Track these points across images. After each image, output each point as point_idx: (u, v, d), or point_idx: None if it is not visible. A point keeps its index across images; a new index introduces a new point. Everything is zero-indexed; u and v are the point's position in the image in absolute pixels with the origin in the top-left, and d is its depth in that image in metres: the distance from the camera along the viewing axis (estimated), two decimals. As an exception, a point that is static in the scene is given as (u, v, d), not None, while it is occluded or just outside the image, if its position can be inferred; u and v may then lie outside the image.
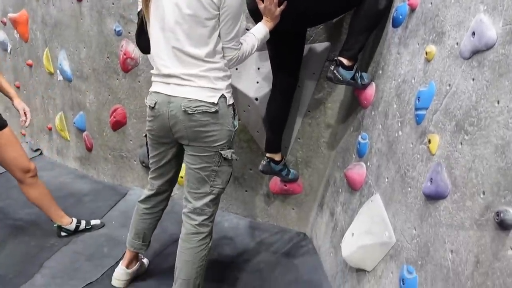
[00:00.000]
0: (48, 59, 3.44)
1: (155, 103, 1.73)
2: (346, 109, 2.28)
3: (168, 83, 1.71)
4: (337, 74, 1.94)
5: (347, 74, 1.95)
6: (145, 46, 1.83)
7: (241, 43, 1.76)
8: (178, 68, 1.68)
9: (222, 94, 1.70)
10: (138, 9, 1.84)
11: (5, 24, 3.81)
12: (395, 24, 1.85)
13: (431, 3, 1.57)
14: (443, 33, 1.47)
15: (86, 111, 3.30)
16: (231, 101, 1.74)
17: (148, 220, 2.08)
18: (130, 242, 2.12)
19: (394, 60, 1.82)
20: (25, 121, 2.37)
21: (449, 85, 1.39)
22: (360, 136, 2.02)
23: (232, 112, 1.76)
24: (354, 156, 2.09)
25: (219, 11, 1.62)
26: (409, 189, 1.52)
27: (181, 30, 1.63)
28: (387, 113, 1.80)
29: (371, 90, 2.00)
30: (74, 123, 3.44)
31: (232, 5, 1.62)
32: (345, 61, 1.94)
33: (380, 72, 1.94)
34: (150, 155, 1.93)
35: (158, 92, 1.73)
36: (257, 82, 2.34)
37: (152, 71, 1.78)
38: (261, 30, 1.86)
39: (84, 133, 3.40)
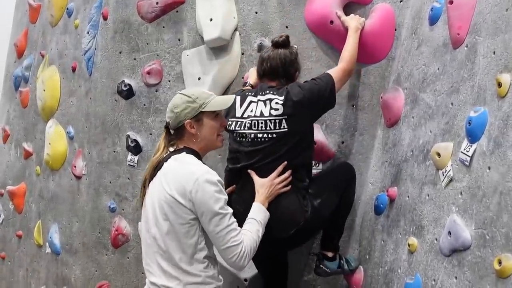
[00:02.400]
0: (39, 231, 3.46)
1: None
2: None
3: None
4: (323, 268, 1.98)
5: (333, 265, 2.00)
6: None
7: (241, 236, 1.59)
8: (160, 279, 1.61)
9: None
10: None
11: (2, 195, 3.92)
12: (377, 212, 1.96)
13: (408, 196, 1.70)
14: (422, 227, 1.56)
15: (69, 287, 3.19)
16: None
17: None
18: None
19: (379, 247, 1.87)
20: None
21: (434, 280, 1.42)
22: (352, 324, 1.96)
23: None
24: None
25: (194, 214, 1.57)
26: None
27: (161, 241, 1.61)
28: (377, 301, 1.79)
29: (359, 275, 2.02)
30: (56, 299, 3.30)
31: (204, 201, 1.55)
32: (328, 253, 2.01)
33: (367, 257, 1.98)
34: None
35: None
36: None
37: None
38: (260, 211, 1.75)
39: (64, 311, 3.24)
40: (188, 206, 1.56)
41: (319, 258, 2.01)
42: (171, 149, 1.72)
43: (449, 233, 1.35)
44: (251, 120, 1.90)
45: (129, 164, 2.78)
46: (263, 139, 1.86)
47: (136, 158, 2.72)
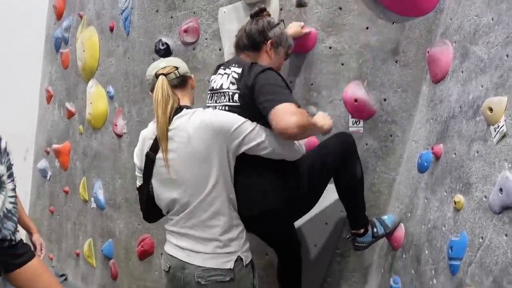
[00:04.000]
0: (84, 187, 3.61)
1: (169, 267, 1.71)
2: (377, 249, 2.26)
3: (183, 248, 1.67)
4: (359, 244, 2.00)
5: (366, 238, 2.00)
6: (154, 217, 1.93)
7: None
8: (191, 230, 1.66)
9: (238, 256, 1.64)
10: (138, 184, 1.89)
11: (48, 153, 4.08)
12: (421, 170, 1.92)
13: (455, 153, 1.65)
14: (469, 184, 1.52)
15: (115, 239, 3.35)
16: (248, 260, 1.69)
17: None
18: None
19: (422, 205, 1.85)
20: (40, 256, 2.40)
21: (482, 237, 1.39)
22: (392, 280, 1.97)
23: (251, 271, 1.70)
24: (387, 300, 2.02)
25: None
26: None
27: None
28: (419, 258, 1.78)
29: (400, 232, 2.00)
30: (102, 250, 3.47)
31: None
32: (359, 231, 1.99)
33: (409, 215, 1.96)
34: None
35: (172, 256, 1.70)
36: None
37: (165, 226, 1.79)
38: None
39: (111, 261, 3.41)
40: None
41: (353, 238, 2.02)
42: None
43: (500, 190, 1.31)
44: (212, 93, 1.89)
45: (168, 123, 2.82)
46: None
47: (175, 116, 2.75)
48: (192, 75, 1.88)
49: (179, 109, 1.70)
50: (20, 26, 4.47)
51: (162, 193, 1.73)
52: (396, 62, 2.17)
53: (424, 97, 2.06)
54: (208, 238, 1.64)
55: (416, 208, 1.90)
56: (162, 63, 1.78)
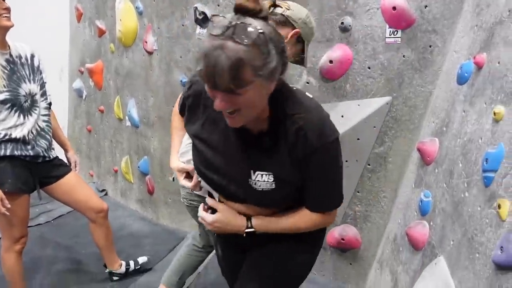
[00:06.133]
0: (118, 106, 3.67)
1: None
2: (408, 164, 2.23)
3: None
4: None
5: None
6: None
7: None
8: None
9: None
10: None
11: (82, 73, 4.13)
12: (460, 82, 1.82)
13: (499, 62, 1.54)
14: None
15: (150, 156, 3.45)
16: None
17: (193, 258, 2.13)
18: (167, 277, 2.20)
19: (459, 118, 1.77)
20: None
21: (520, 148, 1.33)
22: (422, 194, 1.95)
23: None
24: (416, 213, 2.02)
25: None
26: (477, 255, 1.44)
27: None
28: (452, 172, 1.74)
29: (434, 147, 1.95)
30: (139, 167, 3.60)
31: None
32: None
33: (444, 129, 1.90)
34: None
35: None
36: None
37: None
38: None
39: (147, 177, 3.54)
40: None
41: None
42: None
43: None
44: None
45: (198, 38, 2.75)
46: None
47: (204, 31, 2.68)
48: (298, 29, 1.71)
49: None
50: None
51: None
52: (441, -36, 1.99)
53: (469, 2, 1.90)
54: None
55: (453, 121, 1.83)
56: None
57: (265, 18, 1.02)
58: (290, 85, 1.20)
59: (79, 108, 4.32)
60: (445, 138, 1.88)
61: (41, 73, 2.28)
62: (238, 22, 0.98)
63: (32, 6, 2.13)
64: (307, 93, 1.23)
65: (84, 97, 4.19)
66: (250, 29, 0.97)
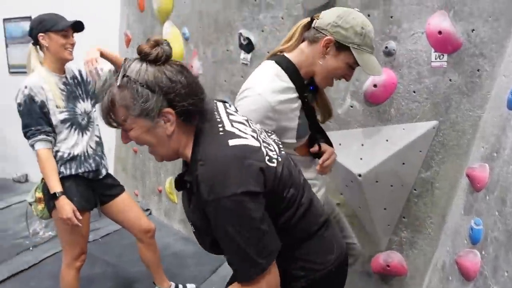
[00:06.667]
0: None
1: None
2: (456, 190, 2.17)
3: None
4: None
5: None
6: None
7: None
8: None
9: None
10: None
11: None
12: (511, 106, 1.77)
13: (553, 87, 1.50)
14: None
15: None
16: None
17: None
18: None
19: (511, 144, 1.72)
20: None
21: None
22: (473, 221, 1.90)
23: None
24: (466, 241, 1.96)
25: None
26: (533, 288, 1.38)
27: None
28: (504, 200, 1.69)
29: (484, 173, 1.90)
30: (182, 187, 3.67)
31: None
32: None
33: (495, 154, 1.85)
34: None
35: None
36: (361, 159, 2.35)
37: None
38: None
39: (190, 197, 3.61)
40: None
41: None
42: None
43: None
44: None
45: (242, 63, 2.82)
46: None
47: (249, 56, 2.74)
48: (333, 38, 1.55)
49: None
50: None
51: None
52: (488, -12, 1.96)
53: (520, 26, 1.86)
54: None
55: (504, 147, 1.78)
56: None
57: (154, 61, 1.11)
58: (219, 129, 1.18)
59: (126, 130, 4.47)
60: (496, 164, 1.82)
61: (90, 83, 2.39)
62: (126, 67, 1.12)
63: (81, 33, 2.28)
64: (232, 141, 1.14)
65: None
66: (121, 73, 1.11)
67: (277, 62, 1.61)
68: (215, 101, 1.33)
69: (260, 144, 1.18)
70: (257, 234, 1.10)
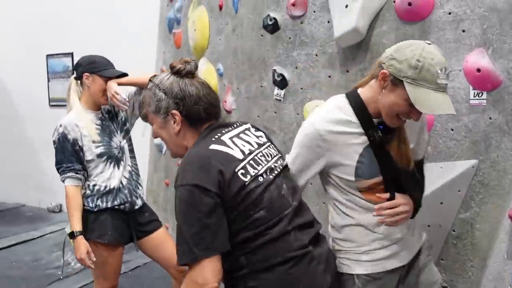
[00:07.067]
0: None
1: None
2: (498, 232, 2.08)
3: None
4: None
5: None
6: None
7: None
8: None
9: None
10: None
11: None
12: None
13: None
14: None
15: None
16: None
17: None
18: None
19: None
20: None
21: None
22: (517, 266, 1.80)
23: None
24: (510, 287, 1.86)
25: None
26: None
27: None
28: (552, 245, 1.60)
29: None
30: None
31: None
32: None
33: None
34: None
35: None
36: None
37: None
38: None
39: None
40: None
41: None
42: None
43: None
44: None
45: (275, 98, 2.84)
46: None
47: (282, 92, 2.77)
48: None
49: None
50: (135, 9, 4.79)
51: None
52: (529, 25, 1.94)
53: None
54: None
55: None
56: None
57: (176, 73, 1.42)
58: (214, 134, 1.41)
59: (158, 163, 4.54)
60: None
61: (121, 116, 2.45)
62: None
63: (119, 68, 2.38)
64: (214, 146, 1.36)
65: (164, 152, 4.41)
66: (151, 80, 1.47)
67: (347, 96, 1.61)
68: (239, 122, 1.55)
69: (244, 159, 1.36)
70: (199, 225, 1.24)
